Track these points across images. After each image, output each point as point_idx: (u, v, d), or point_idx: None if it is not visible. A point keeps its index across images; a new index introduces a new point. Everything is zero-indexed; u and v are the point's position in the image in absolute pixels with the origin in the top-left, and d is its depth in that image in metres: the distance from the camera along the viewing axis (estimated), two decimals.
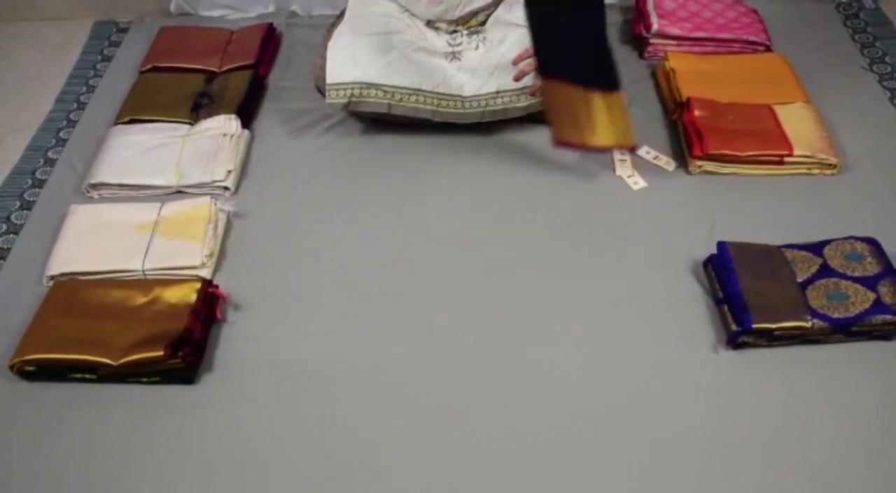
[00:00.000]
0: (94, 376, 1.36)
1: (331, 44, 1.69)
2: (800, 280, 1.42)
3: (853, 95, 1.88)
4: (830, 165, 1.67)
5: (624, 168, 1.71)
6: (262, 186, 1.72)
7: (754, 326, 1.34)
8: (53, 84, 2.04)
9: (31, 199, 1.72)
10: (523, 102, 1.70)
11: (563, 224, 1.61)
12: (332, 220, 1.63)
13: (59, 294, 1.46)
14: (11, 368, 1.36)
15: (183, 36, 2.07)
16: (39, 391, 1.37)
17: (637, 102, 1.88)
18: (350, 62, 1.67)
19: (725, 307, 1.41)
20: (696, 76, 1.84)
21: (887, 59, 1.98)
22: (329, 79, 1.67)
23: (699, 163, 1.68)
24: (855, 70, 1.95)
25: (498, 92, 1.70)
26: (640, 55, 2.01)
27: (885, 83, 1.91)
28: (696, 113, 1.73)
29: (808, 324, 1.34)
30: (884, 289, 1.38)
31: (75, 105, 1.97)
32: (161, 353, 1.32)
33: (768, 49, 1.95)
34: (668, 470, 1.22)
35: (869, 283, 1.40)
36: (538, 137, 1.78)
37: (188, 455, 1.27)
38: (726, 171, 1.68)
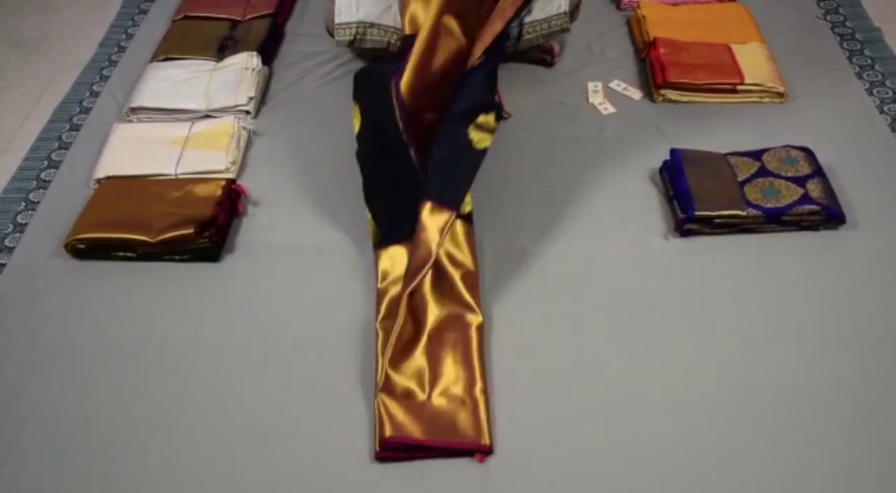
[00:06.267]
0: (133, 255, 1.61)
1: None
2: (740, 179, 1.63)
3: (806, 39, 2.09)
4: (778, 93, 1.88)
5: (596, 97, 1.94)
6: (278, 112, 1.97)
7: (697, 213, 1.56)
8: (95, 33, 2.31)
9: (79, 123, 1.98)
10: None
11: (542, 142, 1.84)
12: (335, 138, 1.86)
13: (106, 189, 1.71)
14: (66, 246, 1.61)
15: None
16: (87, 267, 1.62)
17: (612, 46, 2.11)
18: (355, 4, 1.92)
19: (675, 202, 1.63)
20: (663, 22, 2.06)
21: (840, 10, 2.19)
22: (337, 19, 1.92)
23: (662, 91, 1.90)
24: (810, 19, 2.17)
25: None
26: (618, 7, 2.24)
27: (836, 30, 2.12)
28: (661, 50, 1.95)
29: (744, 212, 1.56)
30: (811, 186, 1.60)
31: (116, 49, 2.23)
32: (191, 231, 1.56)
33: (732, 1, 2.17)
34: (623, 327, 1.46)
35: (799, 181, 1.61)
36: (522, 73, 2.02)
37: (208, 317, 1.51)
38: (685, 99, 1.90)
